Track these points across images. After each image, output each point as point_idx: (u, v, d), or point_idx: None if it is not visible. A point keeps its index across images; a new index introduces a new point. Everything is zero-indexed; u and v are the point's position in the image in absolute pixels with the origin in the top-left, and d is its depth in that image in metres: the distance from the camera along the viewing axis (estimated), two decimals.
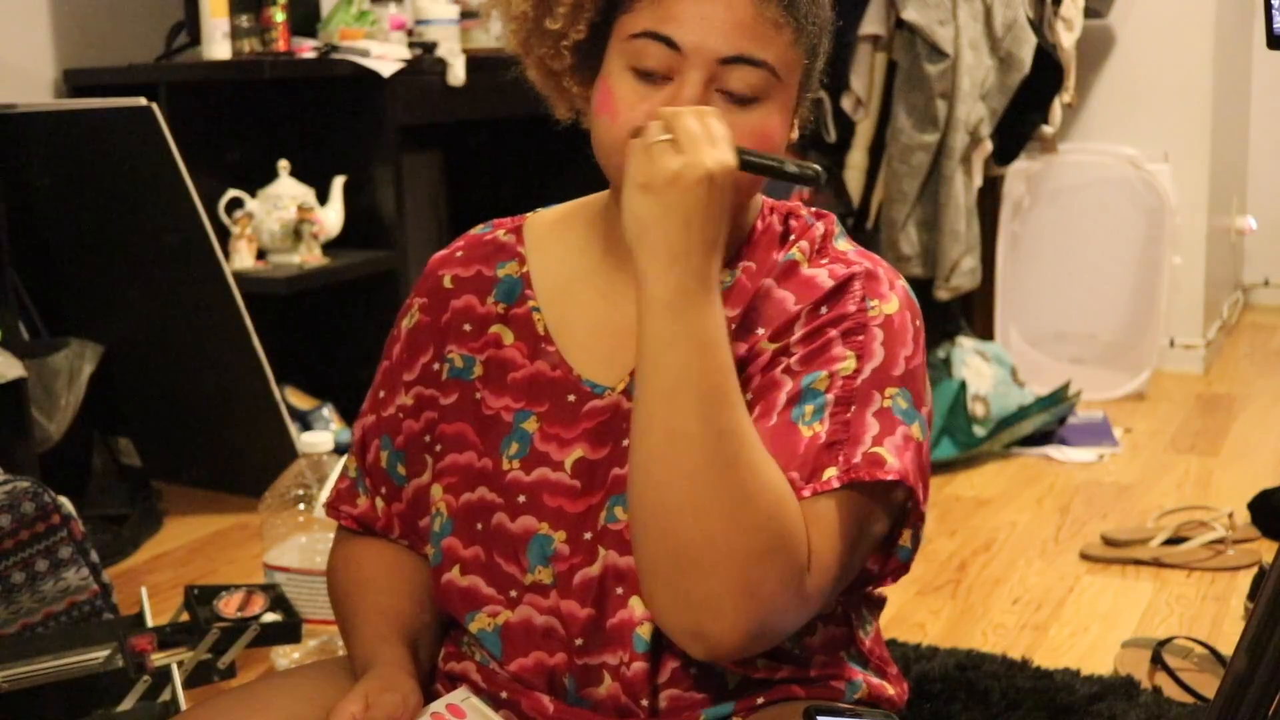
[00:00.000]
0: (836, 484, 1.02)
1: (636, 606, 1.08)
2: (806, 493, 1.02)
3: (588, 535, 1.11)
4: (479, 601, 1.15)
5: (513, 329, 1.18)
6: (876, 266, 1.13)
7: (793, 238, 1.15)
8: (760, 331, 1.10)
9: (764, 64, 1.05)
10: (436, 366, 1.20)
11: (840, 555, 1.03)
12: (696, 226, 0.98)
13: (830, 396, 1.06)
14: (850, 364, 1.07)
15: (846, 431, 1.04)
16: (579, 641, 1.11)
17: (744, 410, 1.01)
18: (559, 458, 1.13)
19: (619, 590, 1.09)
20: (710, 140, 0.99)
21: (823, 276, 1.11)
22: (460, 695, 1.13)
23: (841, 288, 1.11)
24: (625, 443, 1.07)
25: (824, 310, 1.10)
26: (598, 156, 1.10)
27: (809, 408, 1.05)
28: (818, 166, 1.03)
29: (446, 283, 1.22)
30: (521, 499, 1.14)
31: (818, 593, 1.02)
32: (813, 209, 1.19)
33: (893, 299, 1.11)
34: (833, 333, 1.08)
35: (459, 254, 1.23)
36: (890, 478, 1.03)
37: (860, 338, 1.08)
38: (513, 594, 1.13)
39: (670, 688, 1.11)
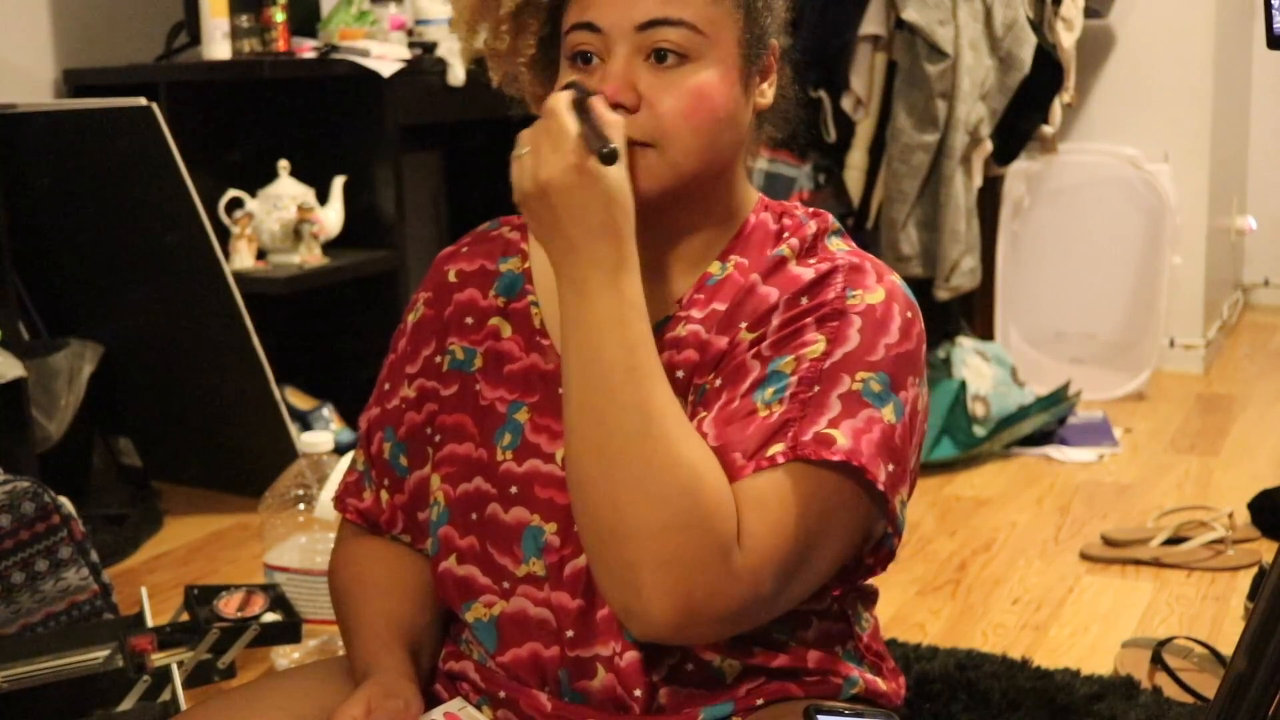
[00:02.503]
0: (781, 460, 1.02)
1: None
2: (749, 469, 1.02)
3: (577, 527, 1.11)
4: (475, 591, 1.16)
5: (511, 322, 1.19)
6: (864, 261, 1.13)
7: (785, 235, 1.16)
8: (742, 325, 1.11)
9: (681, 22, 1.06)
10: (439, 359, 1.22)
11: (783, 534, 1.01)
12: (570, 222, 1.02)
13: (794, 378, 1.06)
14: (820, 347, 1.07)
15: (803, 410, 1.04)
16: (570, 633, 1.11)
17: (660, 386, 1.02)
18: (550, 450, 1.14)
19: None
20: (550, 146, 1.02)
21: (808, 274, 1.12)
22: (456, 704, 1.14)
23: (823, 279, 1.11)
24: None
25: (804, 300, 1.10)
26: None
27: (770, 389, 1.06)
28: (615, 146, 1.02)
29: (451, 277, 1.23)
30: (514, 490, 1.15)
31: (753, 572, 1.00)
32: (809, 209, 1.20)
33: (878, 290, 1.10)
34: (808, 320, 1.09)
35: (465, 249, 1.25)
36: (836, 458, 1.02)
37: (835, 323, 1.08)
38: (505, 585, 1.14)
39: (668, 683, 1.11)
